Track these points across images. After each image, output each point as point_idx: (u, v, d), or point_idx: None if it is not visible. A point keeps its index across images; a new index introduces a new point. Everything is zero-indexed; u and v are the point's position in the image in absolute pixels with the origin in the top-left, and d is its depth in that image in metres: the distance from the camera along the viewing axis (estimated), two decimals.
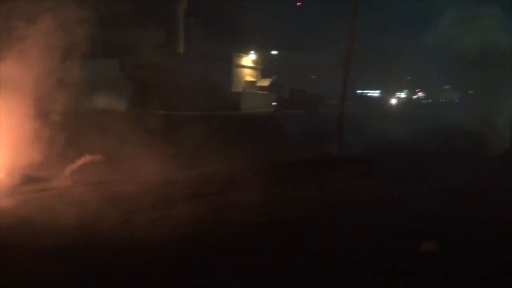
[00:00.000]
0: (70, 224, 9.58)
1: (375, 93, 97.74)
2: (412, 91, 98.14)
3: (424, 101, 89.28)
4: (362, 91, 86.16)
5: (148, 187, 12.94)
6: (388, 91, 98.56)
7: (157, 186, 13.19)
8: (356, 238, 9.49)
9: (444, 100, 78.99)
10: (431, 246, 9.02)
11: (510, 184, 13.97)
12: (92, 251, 8.39)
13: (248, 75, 63.09)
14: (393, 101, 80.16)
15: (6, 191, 12.08)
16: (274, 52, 76.07)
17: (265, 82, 65.19)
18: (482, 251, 8.78)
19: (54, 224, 9.67)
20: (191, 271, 7.71)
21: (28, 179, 13.09)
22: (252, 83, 63.27)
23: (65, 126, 13.48)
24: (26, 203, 11.35)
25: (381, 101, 78.38)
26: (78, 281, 7.28)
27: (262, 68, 66.67)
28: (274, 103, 55.85)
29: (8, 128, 12.93)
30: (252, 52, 63.34)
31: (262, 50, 66.41)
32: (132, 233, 9.45)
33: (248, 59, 63.10)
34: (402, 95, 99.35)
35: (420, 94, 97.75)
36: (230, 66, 58.13)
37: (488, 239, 9.38)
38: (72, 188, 12.92)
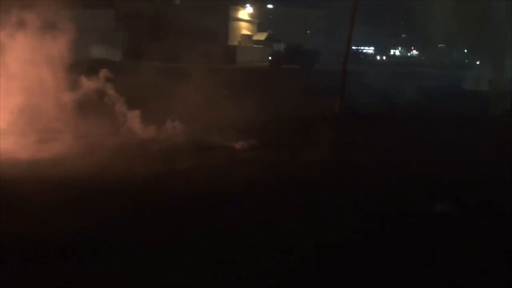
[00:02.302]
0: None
1: (369, 50, 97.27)
2: (407, 49, 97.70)
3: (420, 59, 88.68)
4: (357, 48, 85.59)
5: None
6: (382, 48, 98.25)
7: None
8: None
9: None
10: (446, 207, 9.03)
11: None
12: None
13: (244, 29, 62.53)
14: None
15: None
16: (270, 6, 75.36)
17: (261, 36, 64.61)
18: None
19: None
20: None
21: None
22: (248, 36, 62.73)
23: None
24: None
25: (376, 58, 78.06)
26: None
27: (258, 21, 66.02)
28: (269, 58, 55.42)
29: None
30: (248, 5, 62.63)
31: (259, 3, 65.69)
32: None
33: (245, 12, 62.45)
34: (397, 52, 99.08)
35: (414, 52, 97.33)
36: (227, 19, 57.51)
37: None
38: None
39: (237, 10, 60.82)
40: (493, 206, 9.18)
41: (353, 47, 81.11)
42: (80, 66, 14.17)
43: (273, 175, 10.81)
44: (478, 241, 7.56)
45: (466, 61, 41.82)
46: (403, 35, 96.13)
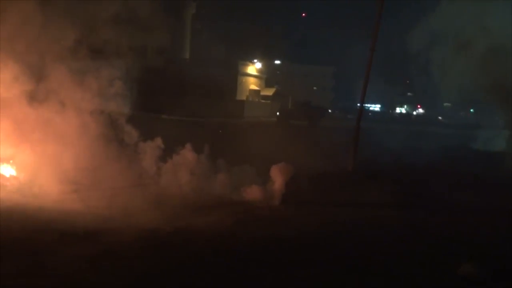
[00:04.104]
0: None
1: (376, 107, 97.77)
2: (413, 107, 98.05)
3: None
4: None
5: None
6: (388, 105, 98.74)
7: None
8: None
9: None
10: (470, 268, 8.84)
11: None
12: None
13: (252, 84, 62.85)
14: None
15: None
16: (277, 62, 76.04)
17: (269, 92, 64.93)
18: None
19: None
20: None
21: None
22: (256, 91, 63.02)
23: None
24: None
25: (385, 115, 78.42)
26: None
27: (266, 77, 66.43)
28: (277, 113, 55.54)
29: None
30: (257, 60, 63.07)
31: (267, 59, 66.21)
32: None
33: (253, 68, 62.84)
34: (403, 110, 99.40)
35: (420, 110, 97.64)
36: (236, 74, 57.86)
37: None
38: None
39: (246, 65, 61.25)
40: None
41: (359, 104, 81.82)
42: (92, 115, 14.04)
43: (295, 232, 10.59)
44: None
45: (483, 121, 42.10)
46: (409, 94, 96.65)
